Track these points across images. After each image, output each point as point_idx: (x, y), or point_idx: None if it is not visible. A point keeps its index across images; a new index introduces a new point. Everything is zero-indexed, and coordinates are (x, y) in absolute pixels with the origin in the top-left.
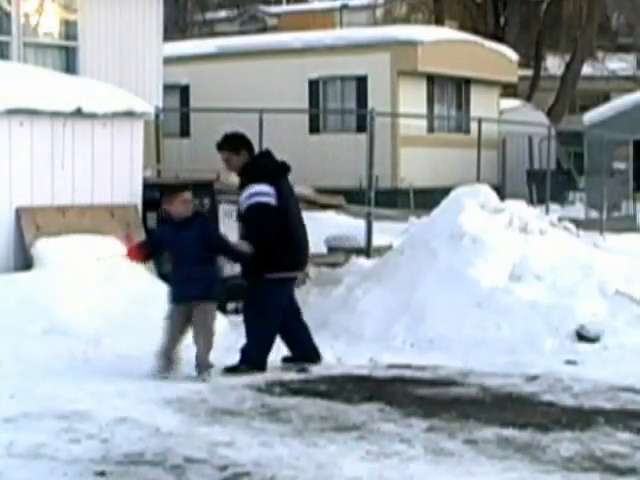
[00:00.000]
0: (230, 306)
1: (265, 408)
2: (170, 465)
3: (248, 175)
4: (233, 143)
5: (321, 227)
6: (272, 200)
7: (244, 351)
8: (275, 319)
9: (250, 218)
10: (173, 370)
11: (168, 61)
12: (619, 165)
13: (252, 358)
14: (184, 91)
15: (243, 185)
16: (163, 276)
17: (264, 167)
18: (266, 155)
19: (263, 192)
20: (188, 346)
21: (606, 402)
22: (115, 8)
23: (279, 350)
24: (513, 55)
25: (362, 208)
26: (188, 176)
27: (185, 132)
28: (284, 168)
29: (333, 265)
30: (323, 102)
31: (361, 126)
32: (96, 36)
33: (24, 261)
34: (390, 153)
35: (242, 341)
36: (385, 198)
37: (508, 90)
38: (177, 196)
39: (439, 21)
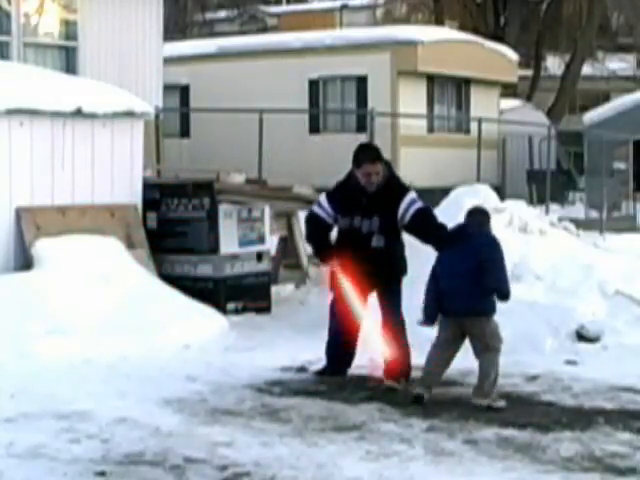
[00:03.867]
0: (230, 306)
1: (265, 408)
2: (170, 465)
3: (400, 185)
4: (382, 155)
5: None
6: None
7: (403, 361)
8: None
9: (431, 215)
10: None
11: (168, 61)
12: (619, 165)
13: (410, 365)
14: (184, 91)
15: (390, 194)
16: (163, 276)
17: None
18: None
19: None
20: (187, 346)
21: (606, 402)
22: (115, 8)
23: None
24: (513, 55)
25: None
26: (188, 176)
27: (185, 132)
28: None
29: None
30: (323, 102)
31: (361, 126)
32: (96, 36)
33: (24, 261)
34: (390, 153)
35: (242, 341)
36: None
37: (508, 90)
38: None
39: (439, 21)
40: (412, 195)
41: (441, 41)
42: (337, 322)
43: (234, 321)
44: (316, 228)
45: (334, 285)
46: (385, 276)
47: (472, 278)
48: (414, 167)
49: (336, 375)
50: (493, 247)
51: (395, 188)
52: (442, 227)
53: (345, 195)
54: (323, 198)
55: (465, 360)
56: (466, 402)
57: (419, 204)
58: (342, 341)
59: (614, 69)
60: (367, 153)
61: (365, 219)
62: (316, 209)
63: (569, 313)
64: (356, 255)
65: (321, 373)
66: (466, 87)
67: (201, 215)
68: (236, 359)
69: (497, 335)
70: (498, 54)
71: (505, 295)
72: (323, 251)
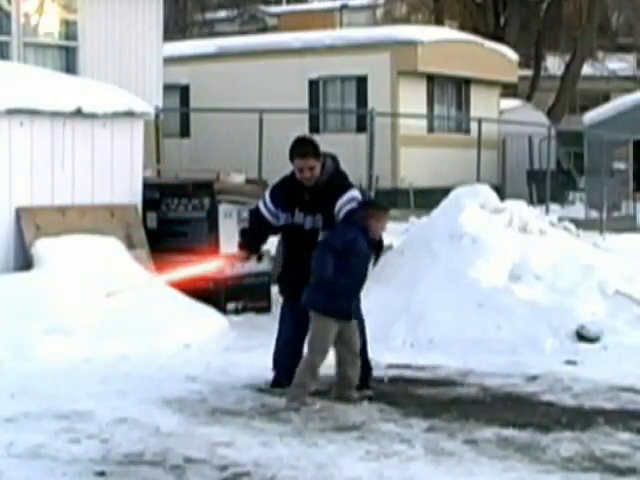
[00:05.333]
0: (230, 306)
1: (265, 408)
2: (170, 465)
3: (344, 181)
4: (318, 150)
5: None
6: None
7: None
8: None
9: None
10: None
11: (168, 61)
12: (619, 165)
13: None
14: (184, 91)
15: (332, 190)
16: None
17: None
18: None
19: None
20: (187, 346)
21: (606, 402)
22: (115, 8)
23: None
24: (513, 55)
25: None
26: (188, 176)
27: (185, 132)
28: None
29: None
30: (323, 102)
31: (361, 126)
32: (96, 36)
33: (24, 261)
34: (390, 153)
35: (242, 341)
36: (385, 198)
37: (508, 90)
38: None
39: (439, 21)
40: (352, 193)
41: (441, 41)
42: (286, 329)
43: (234, 321)
44: (254, 225)
45: (286, 287)
46: None
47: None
48: (414, 167)
49: (285, 387)
50: (343, 235)
51: (338, 185)
52: None
53: (287, 190)
54: (267, 195)
55: (464, 361)
56: (466, 402)
57: (355, 204)
58: (292, 351)
59: (614, 69)
60: (299, 148)
61: (308, 215)
62: (260, 205)
63: (569, 313)
64: (304, 255)
65: (276, 385)
66: (466, 87)
67: (201, 215)
68: (236, 359)
69: (319, 339)
70: (498, 54)
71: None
72: (245, 242)
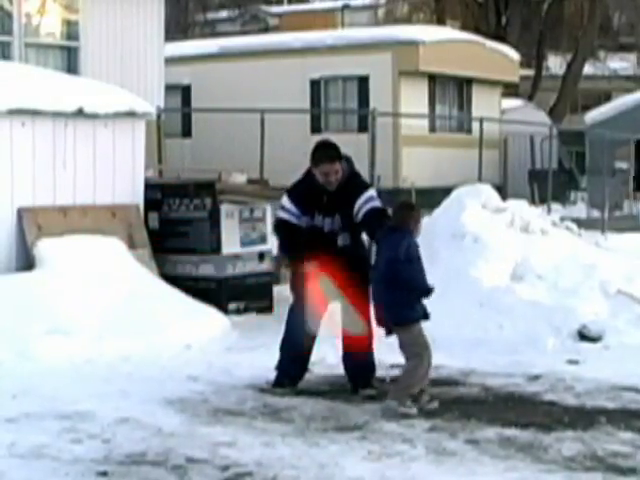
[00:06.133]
0: (232, 306)
1: (267, 408)
2: (172, 465)
3: (360, 181)
4: (340, 153)
5: None
6: None
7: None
8: None
9: (383, 216)
10: None
11: (170, 61)
12: (621, 164)
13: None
14: (186, 91)
15: (350, 191)
16: (165, 276)
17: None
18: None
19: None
20: (189, 346)
21: (608, 402)
22: (116, 8)
23: None
24: (515, 55)
25: None
26: (190, 176)
27: (187, 132)
28: None
29: None
30: (325, 102)
31: (363, 126)
32: (98, 36)
33: (26, 261)
34: (392, 153)
35: (243, 341)
36: (387, 198)
37: (510, 90)
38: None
39: (441, 21)
40: (370, 193)
41: (443, 41)
42: (295, 332)
43: (236, 321)
44: (287, 234)
45: (297, 286)
46: (356, 279)
47: (385, 284)
48: (416, 167)
49: (290, 387)
50: (399, 245)
51: (355, 185)
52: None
53: (305, 193)
54: (285, 200)
55: (466, 360)
56: (468, 402)
57: (375, 203)
58: (298, 354)
59: (615, 68)
60: (325, 152)
61: (327, 217)
62: (282, 214)
63: (571, 313)
64: (323, 256)
65: (278, 385)
66: (468, 87)
67: (203, 215)
68: (238, 359)
69: (420, 342)
70: (500, 54)
71: (421, 291)
72: (296, 256)
